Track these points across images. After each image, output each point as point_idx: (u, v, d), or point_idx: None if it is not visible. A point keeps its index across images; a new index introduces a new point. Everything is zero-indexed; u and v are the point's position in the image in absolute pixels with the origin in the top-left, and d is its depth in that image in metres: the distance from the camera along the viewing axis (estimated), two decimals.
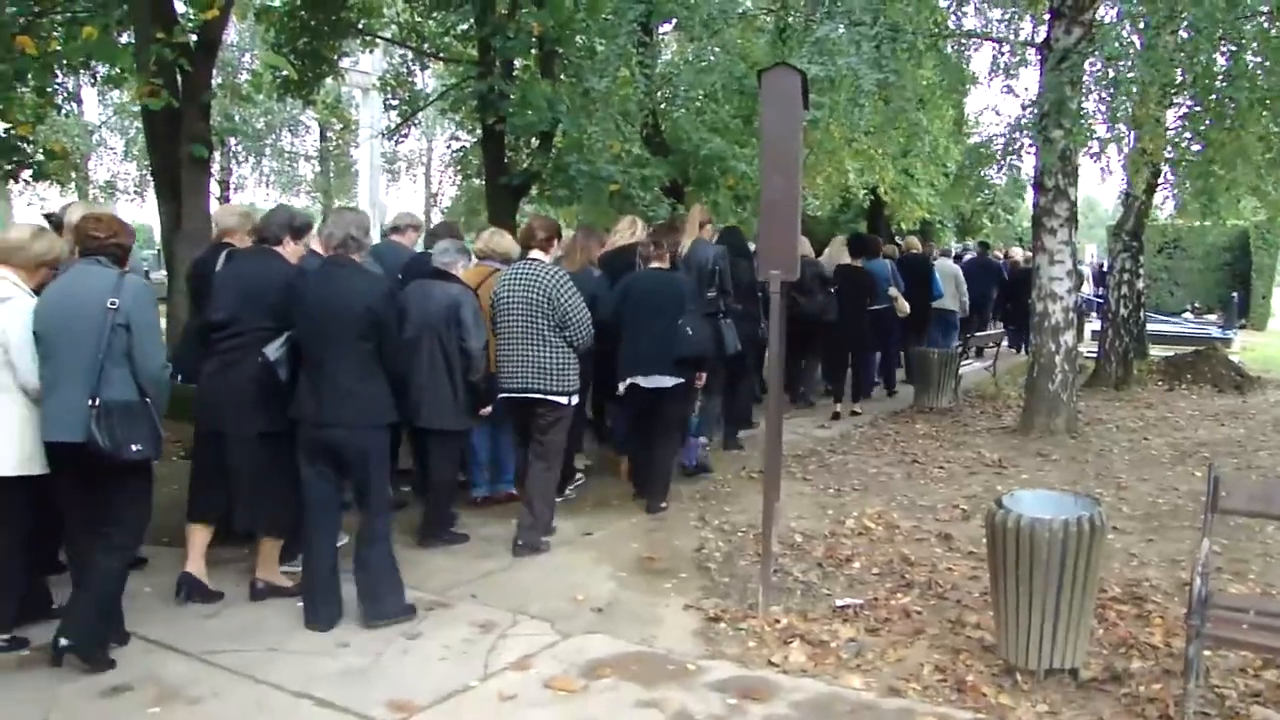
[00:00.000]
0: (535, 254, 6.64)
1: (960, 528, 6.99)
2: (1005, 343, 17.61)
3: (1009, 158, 10.90)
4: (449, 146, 20.82)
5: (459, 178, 24.07)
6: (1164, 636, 4.95)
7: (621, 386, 7.38)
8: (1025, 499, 4.67)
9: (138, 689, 4.40)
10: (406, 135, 19.08)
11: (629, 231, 8.25)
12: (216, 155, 28.62)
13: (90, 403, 4.41)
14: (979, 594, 5.53)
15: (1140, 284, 15.34)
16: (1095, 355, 15.19)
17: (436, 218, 35.44)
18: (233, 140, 29.82)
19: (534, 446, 6.53)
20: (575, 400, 6.64)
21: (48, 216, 6.88)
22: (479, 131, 14.77)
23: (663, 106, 14.74)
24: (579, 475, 8.07)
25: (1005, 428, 10.90)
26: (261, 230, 5.79)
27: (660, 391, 7.27)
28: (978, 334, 15.42)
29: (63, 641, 4.52)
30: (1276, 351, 20.77)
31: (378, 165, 24.20)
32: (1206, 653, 4.23)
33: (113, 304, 4.51)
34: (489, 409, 6.63)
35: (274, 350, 5.16)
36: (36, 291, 4.72)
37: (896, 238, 17.74)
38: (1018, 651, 4.43)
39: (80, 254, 4.77)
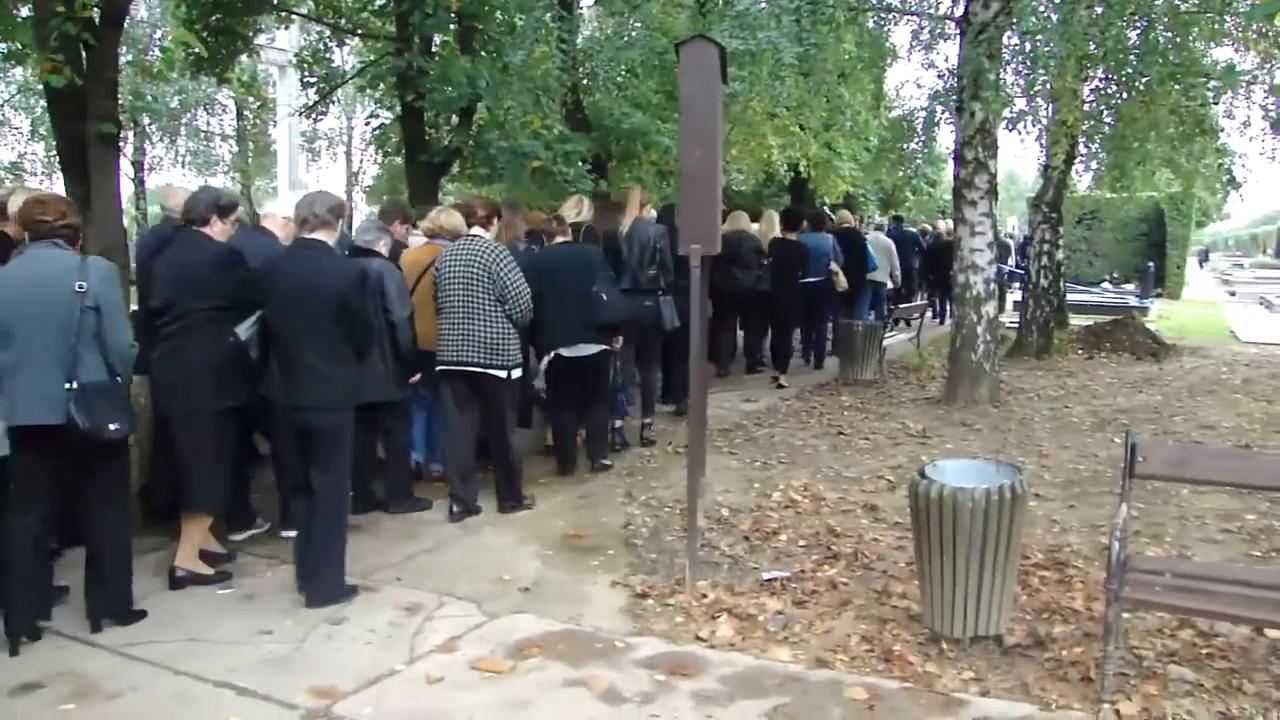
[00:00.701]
0: (476, 230, 6.78)
1: (886, 498, 7.05)
2: (929, 314, 17.88)
3: (929, 130, 11.03)
4: (368, 124, 20.47)
5: (380, 156, 23.71)
6: (1085, 601, 5.04)
7: (545, 360, 7.46)
8: (948, 468, 4.71)
9: (50, 686, 4.28)
10: (325, 113, 18.70)
11: (575, 210, 8.31)
12: (130, 135, 27.88)
13: (68, 385, 4.47)
14: (905, 564, 5.57)
15: (1060, 255, 15.64)
16: (1017, 325, 15.49)
17: (359, 196, 34.98)
18: (145, 119, 29.05)
19: (486, 420, 6.74)
20: (517, 374, 6.75)
21: None
22: (398, 109, 14.53)
23: (584, 82, 14.65)
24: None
25: (929, 398, 11.04)
26: (188, 212, 5.72)
27: (585, 359, 7.53)
28: (902, 306, 15.61)
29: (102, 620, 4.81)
30: (1191, 319, 21.34)
31: (297, 144, 23.69)
32: (1125, 615, 4.31)
33: (80, 287, 4.55)
34: (417, 377, 6.81)
35: (244, 330, 5.23)
36: None
37: (827, 211, 17.86)
38: (943, 620, 4.48)
39: (31, 239, 4.75)
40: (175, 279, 5.45)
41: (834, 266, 12.68)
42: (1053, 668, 4.33)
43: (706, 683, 4.24)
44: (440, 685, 4.27)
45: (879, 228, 18.27)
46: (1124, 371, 13.29)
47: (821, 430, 9.41)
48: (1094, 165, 14.39)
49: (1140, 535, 6.03)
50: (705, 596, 5.18)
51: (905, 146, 11.71)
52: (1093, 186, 17.35)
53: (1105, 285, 26.69)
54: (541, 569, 5.75)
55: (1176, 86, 10.63)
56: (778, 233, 12.12)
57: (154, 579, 5.48)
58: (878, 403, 10.79)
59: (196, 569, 5.52)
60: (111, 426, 4.55)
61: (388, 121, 17.03)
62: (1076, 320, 17.73)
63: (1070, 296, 18.92)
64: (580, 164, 13.23)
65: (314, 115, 17.41)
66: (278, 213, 6.72)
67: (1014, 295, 19.80)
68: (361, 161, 37.16)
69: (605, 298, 7.51)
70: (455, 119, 13.95)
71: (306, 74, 15.50)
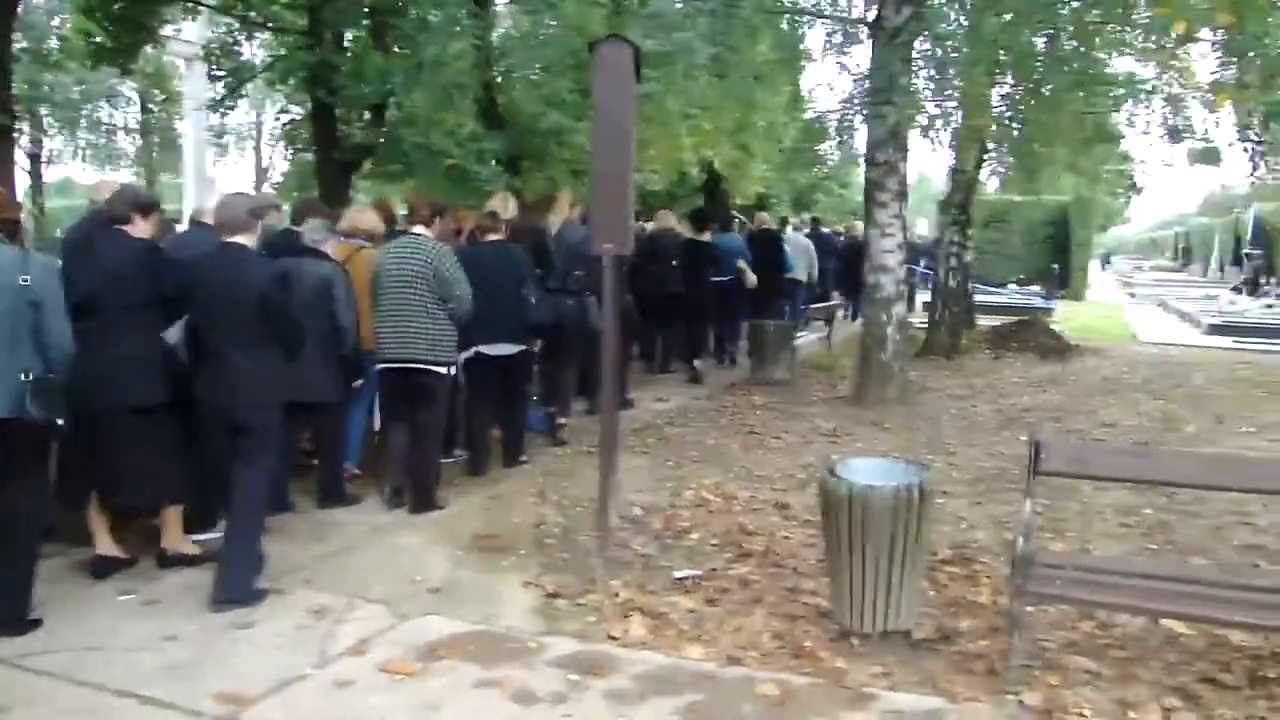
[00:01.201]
0: (418, 229, 6.94)
1: (797, 496, 7.10)
2: (843, 313, 18.17)
3: (842, 133, 11.17)
4: (279, 119, 20.14)
5: (290, 152, 23.32)
6: (991, 595, 5.14)
7: (462, 356, 7.43)
8: (857, 467, 4.76)
9: None
10: (234, 107, 18.36)
11: (503, 207, 8.36)
12: (25, 127, 26.98)
13: (24, 376, 4.57)
14: (815, 561, 5.62)
15: (969, 256, 15.94)
16: (926, 324, 15.76)
17: (269, 192, 34.39)
18: (42, 110, 28.20)
19: (417, 419, 6.83)
20: (452, 371, 6.97)
21: None
22: (309, 104, 14.32)
23: (498, 80, 14.55)
24: (457, 452, 8.13)
25: (840, 397, 11.17)
26: (109, 210, 5.64)
27: (506, 359, 7.66)
28: (814, 306, 15.79)
29: None
30: (1094, 320, 21.92)
31: (204, 138, 23.23)
32: (1029, 609, 4.41)
33: (24, 280, 4.61)
34: (360, 381, 6.92)
35: (174, 335, 5.43)
36: None
37: (740, 217, 18.07)
38: (853, 616, 4.54)
39: None
40: (102, 275, 5.36)
41: (741, 264, 12.84)
42: (960, 661, 4.42)
43: (619, 681, 4.24)
44: (351, 689, 4.21)
45: (797, 228, 18.54)
46: (1029, 371, 13.59)
47: (734, 429, 9.47)
48: (1002, 169, 14.74)
49: (1044, 531, 6.14)
50: (617, 596, 5.19)
51: (818, 148, 11.89)
52: (1000, 189, 17.75)
53: (1012, 286, 27.31)
54: (453, 570, 5.71)
55: (1081, 94, 10.91)
56: (681, 232, 12.33)
57: (52, 588, 5.29)
58: (790, 402, 10.88)
59: (181, 549, 5.67)
60: (59, 421, 4.74)
61: (299, 117, 16.81)
62: (984, 320, 18.15)
63: (978, 297, 19.35)
64: (494, 162, 13.15)
65: (222, 109, 17.04)
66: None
67: (923, 296, 20.18)
68: (271, 157, 36.58)
69: (532, 300, 7.70)
70: (367, 115, 13.81)
71: (214, 67, 15.21)
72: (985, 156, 14.44)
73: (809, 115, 18.59)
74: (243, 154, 41.57)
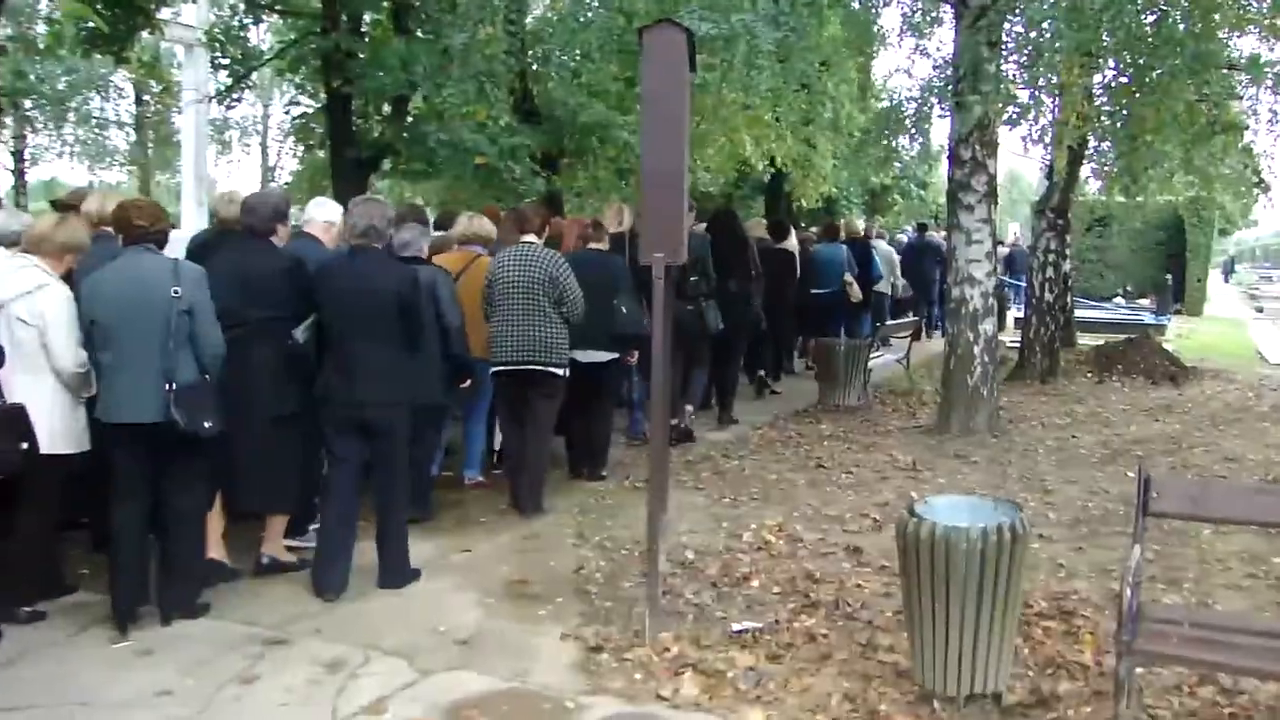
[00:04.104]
0: (529, 238, 7.93)
1: (871, 539, 7.08)
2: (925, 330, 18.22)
3: (920, 125, 11.11)
4: (288, 113, 20.35)
5: (300, 149, 23.58)
6: (1094, 654, 5.08)
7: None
8: (940, 506, 4.72)
9: None
10: (239, 100, 18.60)
11: (617, 221, 9.50)
12: (9, 121, 27.53)
13: (167, 386, 5.29)
14: (892, 613, 5.59)
15: (1067, 266, 15.80)
16: (1018, 345, 15.62)
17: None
18: (27, 103, 28.71)
19: (531, 419, 7.76)
20: (566, 373, 7.82)
21: (53, 203, 7.90)
22: (323, 96, 14.46)
23: (534, 68, 14.65)
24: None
25: (920, 427, 11.11)
26: (250, 222, 6.39)
27: (597, 366, 8.48)
28: (889, 322, 15.68)
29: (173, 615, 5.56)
30: (1213, 339, 21.63)
31: (204, 134, 23.53)
32: (1139, 670, 4.34)
33: (176, 292, 5.36)
34: (468, 382, 7.66)
35: (301, 332, 6.15)
36: (65, 278, 5.67)
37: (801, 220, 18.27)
38: (935, 676, 4.49)
39: (125, 242, 5.57)
40: (244, 287, 6.07)
41: (848, 277, 13.17)
42: None
43: None
44: None
45: (880, 236, 18.80)
46: (1138, 397, 13.43)
47: (799, 462, 9.44)
48: (1104, 167, 14.56)
49: (1156, 581, 6.08)
50: (667, 650, 5.18)
51: (893, 142, 11.78)
52: (1103, 190, 17.52)
53: (1118, 300, 27.01)
54: (482, 619, 5.72)
55: (1194, 80, 10.77)
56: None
57: (34, 633, 5.40)
58: (862, 432, 10.84)
59: (281, 557, 6.41)
60: (206, 424, 5.36)
61: (310, 110, 16.99)
62: (1085, 340, 18.01)
63: (1079, 313, 19.19)
64: (529, 160, 13.24)
65: (225, 102, 17.30)
66: (318, 218, 7.22)
67: (1014, 311, 20.04)
68: (279, 154, 36.97)
69: (625, 310, 8.44)
70: (388, 108, 13.93)
71: (217, 55, 15.41)
72: (1085, 154, 14.28)
73: (883, 104, 18.54)
74: (247, 151, 42.12)
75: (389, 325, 6.05)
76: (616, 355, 8.66)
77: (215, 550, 6.18)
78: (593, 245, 8.81)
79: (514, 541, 7.15)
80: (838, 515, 7.73)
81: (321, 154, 18.13)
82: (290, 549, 6.53)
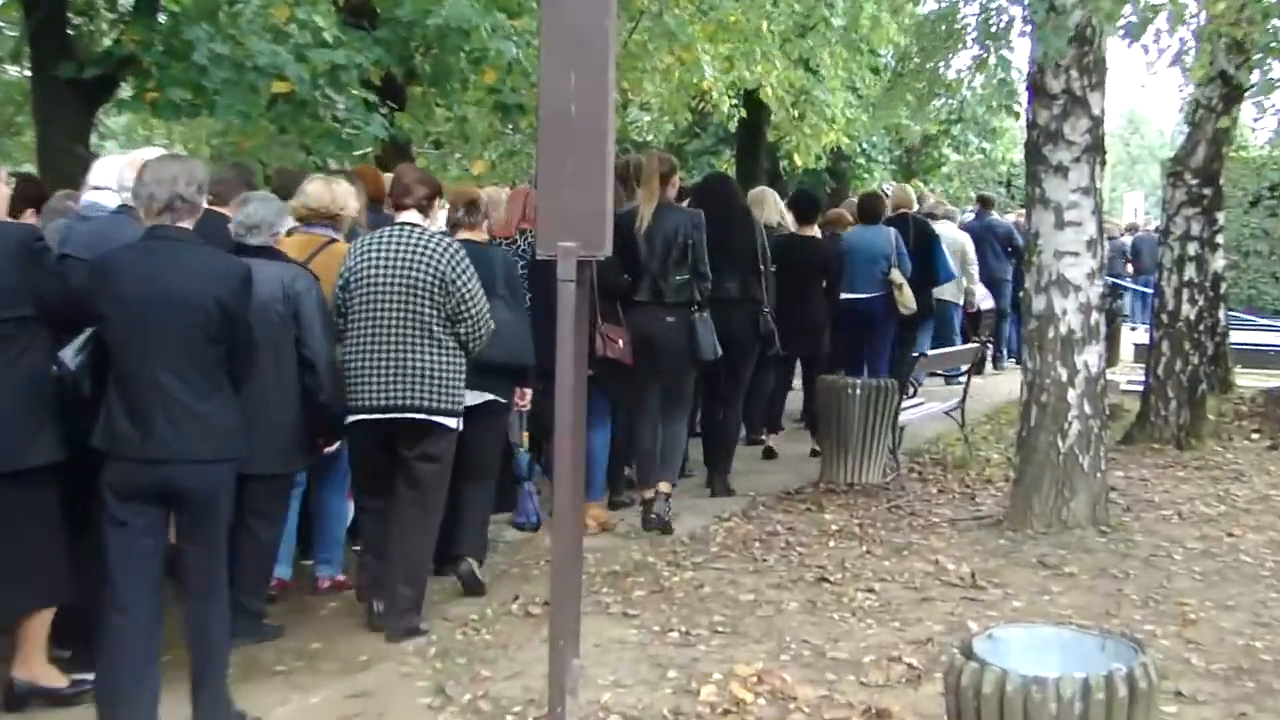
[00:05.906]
0: (410, 216, 6.26)
1: (906, 696, 5.49)
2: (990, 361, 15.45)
3: (987, 40, 8.88)
4: None
5: None
6: None
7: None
8: (1015, 644, 4.16)
9: None
10: None
11: (518, 214, 8.04)
12: None
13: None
14: None
15: (1219, 263, 12.66)
16: (1141, 387, 12.64)
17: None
18: None
19: (407, 495, 6.18)
20: (459, 424, 6.27)
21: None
22: None
23: None
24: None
25: (982, 517, 8.92)
26: None
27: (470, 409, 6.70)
28: (931, 352, 12.42)
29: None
30: None
31: None
32: None
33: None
34: (336, 445, 6.37)
35: (72, 355, 4.86)
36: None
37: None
38: None
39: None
40: None
41: (895, 275, 10.83)
42: None
43: None
44: None
45: (947, 215, 15.76)
46: None
47: (789, 574, 7.46)
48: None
49: None
50: None
51: (942, 68, 9.63)
52: (1275, 142, 14.29)
53: None
54: None
55: None
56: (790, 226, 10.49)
57: None
58: (890, 525, 8.69)
59: (41, 680, 5.10)
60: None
61: None
62: (1248, 379, 15.14)
63: (1237, 336, 15.88)
64: (359, 88, 10.60)
65: None
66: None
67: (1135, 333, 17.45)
68: None
69: (510, 326, 6.82)
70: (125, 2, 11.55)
71: None
72: (1248, 83, 11.32)
73: (926, 7, 14.63)
74: None
75: (202, 348, 4.76)
76: (491, 397, 6.81)
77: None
78: (464, 235, 6.88)
79: (333, 701, 5.58)
80: (851, 659, 6.01)
81: (16, 73, 15.61)
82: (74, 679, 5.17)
